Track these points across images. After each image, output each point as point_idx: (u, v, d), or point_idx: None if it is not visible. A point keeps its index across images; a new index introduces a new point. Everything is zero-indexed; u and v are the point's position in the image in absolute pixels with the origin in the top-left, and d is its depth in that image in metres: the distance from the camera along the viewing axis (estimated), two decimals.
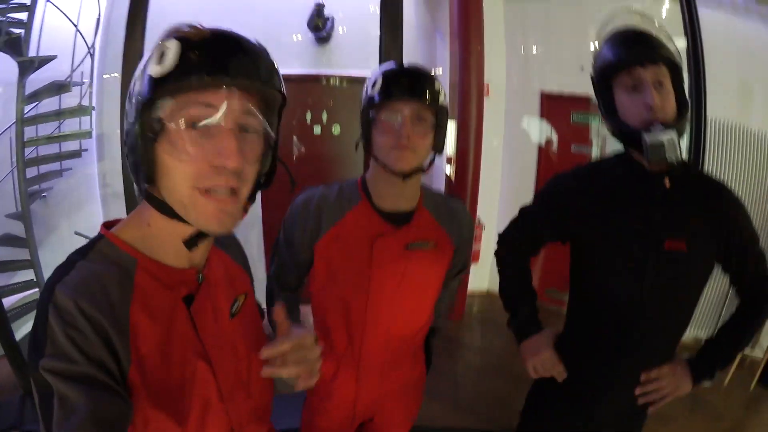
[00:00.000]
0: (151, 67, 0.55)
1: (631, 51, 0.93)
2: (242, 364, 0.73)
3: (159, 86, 0.54)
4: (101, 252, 0.62)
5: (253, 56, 0.57)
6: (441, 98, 1.04)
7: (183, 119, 0.55)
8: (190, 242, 0.64)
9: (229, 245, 0.81)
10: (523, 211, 1.21)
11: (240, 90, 0.57)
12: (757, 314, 1.11)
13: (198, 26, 0.56)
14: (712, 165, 3.14)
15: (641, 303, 1.03)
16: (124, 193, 1.93)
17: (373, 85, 1.04)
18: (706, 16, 2.33)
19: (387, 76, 1.03)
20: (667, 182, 1.01)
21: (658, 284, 1.02)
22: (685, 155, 0.96)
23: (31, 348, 0.56)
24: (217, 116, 0.55)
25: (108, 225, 0.67)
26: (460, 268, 1.25)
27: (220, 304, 0.71)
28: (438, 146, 1.08)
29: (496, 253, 1.26)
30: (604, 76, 0.99)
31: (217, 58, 0.54)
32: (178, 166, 0.57)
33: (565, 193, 1.12)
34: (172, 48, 0.54)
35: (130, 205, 1.94)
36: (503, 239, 1.24)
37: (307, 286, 1.19)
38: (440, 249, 1.14)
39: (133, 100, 0.58)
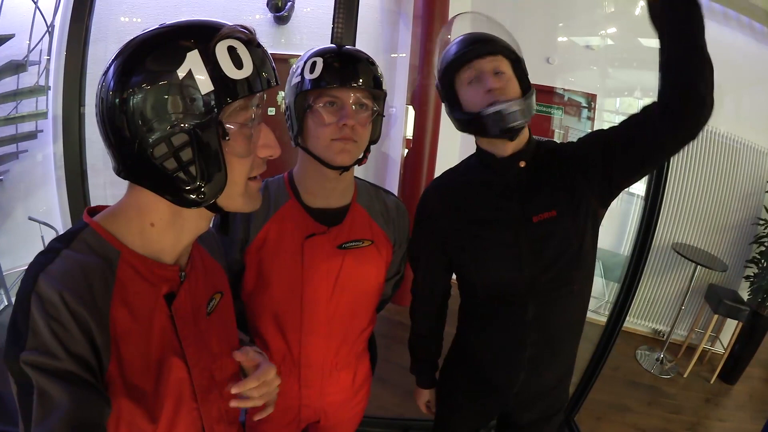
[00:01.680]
0: (229, 71, 0.55)
1: (469, 47, 1.00)
2: (215, 363, 0.73)
3: (238, 89, 0.56)
4: (85, 241, 0.60)
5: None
6: (383, 84, 0.97)
7: (248, 119, 0.60)
8: (226, 227, 0.73)
9: (207, 239, 0.80)
10: (411, 255, 1.21)
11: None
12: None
13: (250, 28, 0.59)
14: (680, 163, 3.19)
15: (526, 282, 1.04)
16: (65, 178, 1.85)
17: (312, 69, 0.92)
18: None
19: (328, 60, 0.92)
20: (521, 163, 1.05)
21: (538, 257, 1.03)
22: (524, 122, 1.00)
23: (10, 338, 0.54)
24: (257, 112, 0.61)
25: (91, 212, 0.64)
26: (394, 273, 1.19)
27: (198, 302, 0.71)
28: (375, 136, 1.01)
29: (411, 309, 1.27)
30: (449, 75, 1.03)
31: (269, 64, 0.60)
32: (240, 162, 0.60)
33: (434, 211, 1.13)
34: (245, 52, 0.56)
35: (72, 191, 1.85)
36: (413, 293, 1.26)
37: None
38: (377, 247, 1.08)
39: (204, 109, 0.56)
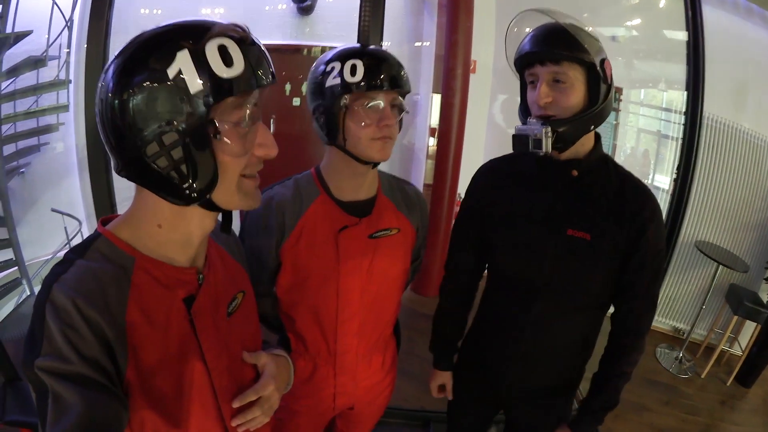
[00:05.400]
0: (218, 69, 0.55)
1: (531, 50, 0.96)
2: (236, 364, 0.73)
3: (229, 87, 0.56)
4: (98, 250, 0.61)
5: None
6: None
7: (242, 117, 0.59)
8: (227, 225, 0.71)
9: (225, 240, 0.81)
10: (454, 225, 1.23)
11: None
12: (622, 356, 1.09)
13: (244, 26, 0.59)
14: (705, 159, 3.11)
15: (540, 282, 1.05)
16: (89, 169, 1.88)
17: (353, 72, 0.94)
18: (706, 13, 2.30)
19: (367, 63, 0.95)
20: (574, 172, 1.03)
21: (559, 266, 1.03)
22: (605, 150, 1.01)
23: (27, 346, 0.55)
24: (251, 112, 0.60)
25: (105, 221, 0.66)
26: (415, 258, 1.23)
27: (218, 304, 0.71)
28: (399, 130, 1.08)
29: (440, 286, 1.28)
30: (518, 71, 1.04)
31: (265, 62, 0.60)
32: (234, 161, 0.59)
33: (479, 188, 1.17)
34: (236, 50, 0.56)
35: (96, 182, 1.88)
36: (447, 267, 1.26)
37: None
38: (403, 234, 1.13)
39: (193, 108, 0.55)
